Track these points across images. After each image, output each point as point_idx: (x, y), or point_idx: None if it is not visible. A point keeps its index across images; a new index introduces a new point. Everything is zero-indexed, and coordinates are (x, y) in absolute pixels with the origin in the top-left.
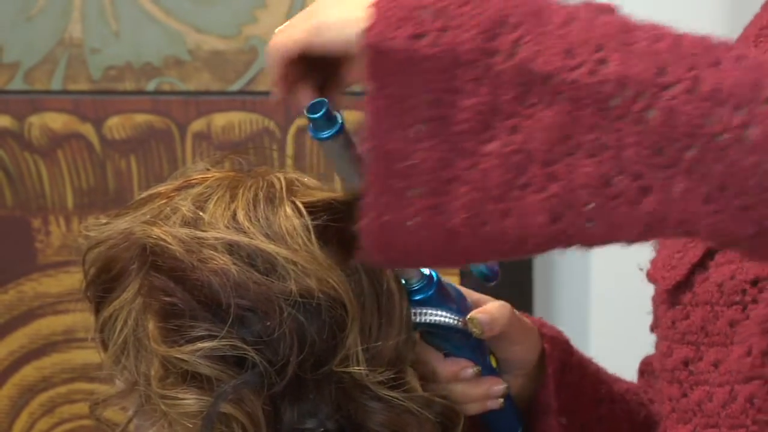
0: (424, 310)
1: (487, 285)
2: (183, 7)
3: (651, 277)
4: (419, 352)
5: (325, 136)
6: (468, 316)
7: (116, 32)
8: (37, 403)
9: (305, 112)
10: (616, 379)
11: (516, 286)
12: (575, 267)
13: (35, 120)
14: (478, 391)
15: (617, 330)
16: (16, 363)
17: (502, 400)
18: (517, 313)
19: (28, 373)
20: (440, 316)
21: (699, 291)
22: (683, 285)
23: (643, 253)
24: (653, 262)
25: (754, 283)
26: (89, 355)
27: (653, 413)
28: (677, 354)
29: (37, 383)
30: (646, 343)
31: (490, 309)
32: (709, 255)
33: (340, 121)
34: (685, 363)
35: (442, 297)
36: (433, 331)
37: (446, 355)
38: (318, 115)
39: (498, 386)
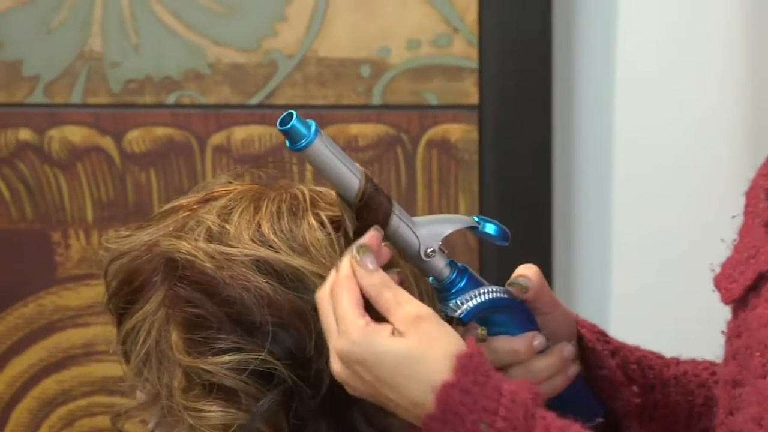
0: (469, 296)
1: (501, 245)
2: (203, 20)
3: (716, 284)
4: (488, 345)
5: (302, 145)
6: (508, 282)
7: (136, 46)
8: (56, 416)
9: (278, 126)
10: (673, 363)
11: (534, 260)
12: (595, 258)
13: (55, 133)
14: (556, 359)
15: (637, 325)
16: (35, 376)
17: (577, 365)
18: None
19: (48, 386)
20: (487, 294)
21: (749, 317)
22: (741, 302)
23: (659, 224)
24: (723, 266)
25: None
26: (109, 369)
27: (715, 395)
28: (730, 369)
29: (57, 396)
30: (666, 335)
31: (520, 270)
32: (761, 278)
33: (313, 128)
34: (734, 383)
35: (476, 280)
36: (487, 318)
37: None
38: (288, 126)
39: (568, 346)
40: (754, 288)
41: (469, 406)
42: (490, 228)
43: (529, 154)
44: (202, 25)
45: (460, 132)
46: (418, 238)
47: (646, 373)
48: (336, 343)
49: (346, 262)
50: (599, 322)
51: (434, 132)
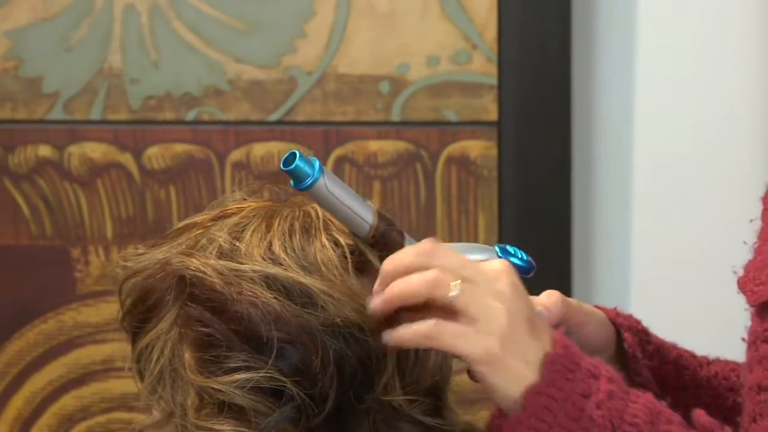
0: None
1: (524, 276)
2: (223, 37)
3: (741, 286)
4: None
5: (308, 184)
6: None
7: (156, 62)
8: None
9: (281, 167)
10: (705, 363)
11: (554, 277)
12: (615, 274)
13: (75, 150)
14: None
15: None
16: (55, 392)
17: None
18: (570, 299)
19: (68, 402)
20: None
21: None
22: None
23: (679, 243)
24: (746, 268)
25: None
26: (128, 385)
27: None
28: (755, 374)
29: (77, 413)
30: (686, 333)
31: (540, 301)
32: None
33: (317, 166)
34: (760, 388)
35: None
36: None
37: None
38: (292, 167)
39: None
40: None
41: (579, 358)
42: (515, 261)
43: (548, 170)
44: (221, 42)
45: (480, 148)
46: None
47: (681, 373)
48: (499, 266)
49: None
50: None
51: (453, 148)
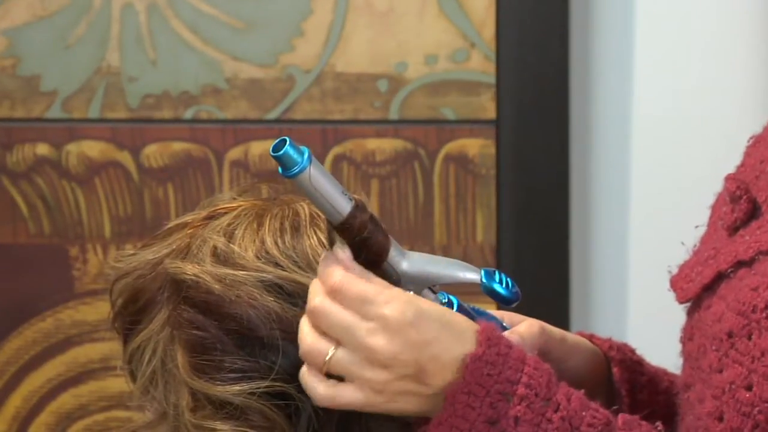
0: None
1: (506, 306)
2: (221, 35)
3: (672, 284)
4: None
5: (295, 171)
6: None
7: (154, 61)
8: (73, 431)
9: (270, 152)
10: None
11: (552, 275)
12: (612, 273)
13: (73, 148)
14: None
15: (654, 342)
16: (53, 390)
17: None
18: (554, 329)
19: (66, 400)
20: None
21: (702, 316)
22: (695, 303)
23: (677, 240)
24: (680, 267)
25: (729, 335)
26: (126, 384)
27: None
28: (683, 374)
29: (75, 411)
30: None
31: (516, 330)
32: (719, 278)
33: (306, 155)
34: (686, 386)
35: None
36: None
37: None
38: (282, 153)
39: None
40: (709, 288)
41: (494, 377)
42: (498, 288)
43: (546, 168)
44: (219, 40)
45: (478, 147)
46: (399, 278)
47: (671, 401)
48: (383, 313)
49: (335, 270)
50: (616, 337)
51: (451, 147)
